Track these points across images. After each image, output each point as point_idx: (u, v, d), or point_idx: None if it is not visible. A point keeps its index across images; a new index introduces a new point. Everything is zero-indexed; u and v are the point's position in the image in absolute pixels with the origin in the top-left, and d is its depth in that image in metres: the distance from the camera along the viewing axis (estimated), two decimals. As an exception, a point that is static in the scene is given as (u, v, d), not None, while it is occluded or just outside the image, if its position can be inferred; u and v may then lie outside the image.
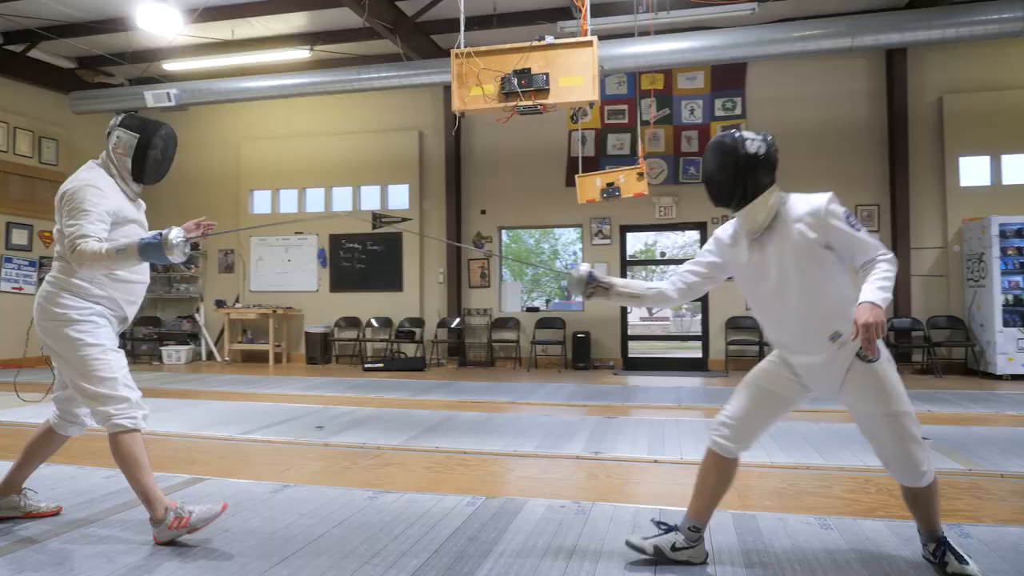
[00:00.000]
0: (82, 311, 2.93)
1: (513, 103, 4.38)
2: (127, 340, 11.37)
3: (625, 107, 10.26)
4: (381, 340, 10.87)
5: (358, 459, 4.62)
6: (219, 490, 3.79)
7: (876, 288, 2.29)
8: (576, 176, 8.72)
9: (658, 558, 2.68)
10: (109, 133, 3.06)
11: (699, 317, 10.87)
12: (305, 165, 11.30)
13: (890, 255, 2.40)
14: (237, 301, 11.30)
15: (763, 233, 2.52)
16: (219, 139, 11.71)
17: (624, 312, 10.53)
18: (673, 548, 2.68)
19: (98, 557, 2.82)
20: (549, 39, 4.39)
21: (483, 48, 4.52)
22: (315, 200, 11.41)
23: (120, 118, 3.09)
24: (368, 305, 11.01)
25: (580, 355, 10.22)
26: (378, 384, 8.38)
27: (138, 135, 3.01)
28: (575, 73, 4.36)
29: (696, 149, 10.05)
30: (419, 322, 10.80)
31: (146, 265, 3.07)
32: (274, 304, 11.05)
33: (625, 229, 10.62)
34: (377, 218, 3.50)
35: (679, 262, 17.14)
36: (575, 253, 15.46)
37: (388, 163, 10.99)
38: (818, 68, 9.66)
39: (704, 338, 10.31)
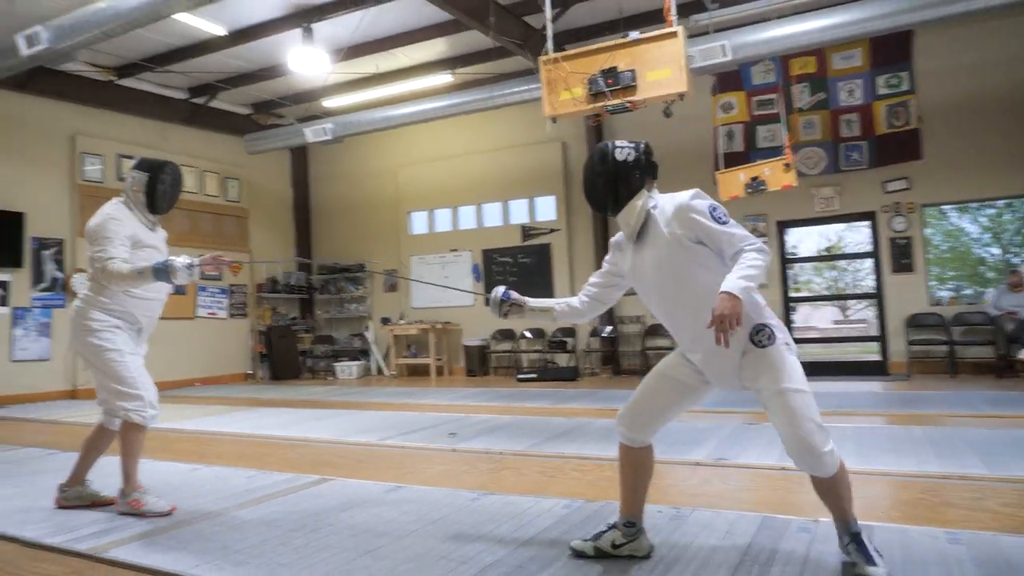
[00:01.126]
0: (103, 323, 3.55)
1: (602, 103, 4.31)
2: (307, 357, 12.42)
3: (774, 96, 9.71)
4: (535, 351, 11.02)
5: (478, 463, 4.73)
6: (340, 489, 4.04)
7: (737, 278, 2.28)
8: (718, 173, 8.40)
9: (602, 556, 2.74)
10: (126, 178, 3.70)
11: (874, 314, 9.98)
12: (457, 184, 11.79)
13: (757, 244, 2.39)
14: (401, 318, 11.98)
15: (640, 236, 2.59)
16: (377, 167, 12.53)
17: (788, 313, 9.92)
18: (613, 545, 2.74)
19: (208, 539, 3.13)
20: (633, 35, 4.30)
21: (570, 52, 4.50)
22: (467, 217, 11.85)
23: (134, 162, 3.71)
24: (522, 317, 11.20)
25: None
26: (527, 394, 8.51)
27: (148, 174, 3.60)
28: (662, 66, 4.23)
29: (858, 133, 9.28)
30: (571, 332, 10.83)
31: (161, 285, 3.55)
32: (434, 319, 11.58)
33: (783, 225, 10.02)
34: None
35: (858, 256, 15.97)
36: None
37: (534, 176, 11.18)
38: (1006, 27, 8.56)
39: (882, 339, 9.45)
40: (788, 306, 9.99)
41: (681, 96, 4.56)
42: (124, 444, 3.58)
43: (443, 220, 12.05)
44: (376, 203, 12.52)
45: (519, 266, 11.31)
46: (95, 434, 3.76)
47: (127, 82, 10.07)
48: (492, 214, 11.64)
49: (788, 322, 9.89)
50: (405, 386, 10.12)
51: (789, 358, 2.44)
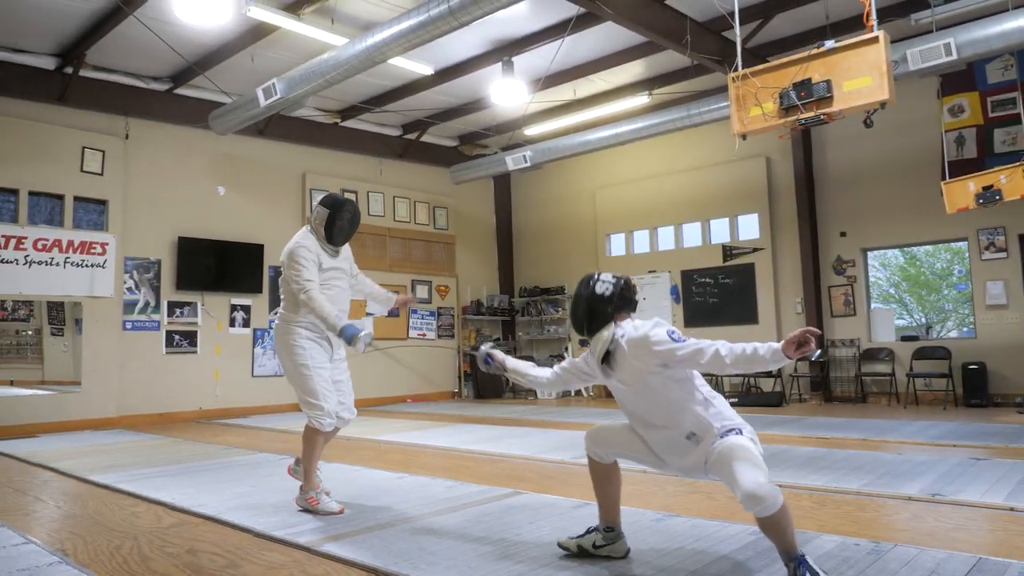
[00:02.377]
0: (299, 339, 4.06)
1: (794, 117, 4.08)
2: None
3: (1016, 95, 8.61)
4: (738, 375, 10.56)
5: (667, 485, 4.63)
6: (530, 502, 4.15)
7: (754, 346, 2.64)
8: (943, 183, 7.63)
9: (583, 554, 3.06)
10: (313, 214, 4.17)
11: None
12: (655, 205, 11.68)
13: (719, 344, 2.62)
14: (599, 339, 12.03)
15: (606, 360, 2.83)
16: (575, 191, 12.76)
17: (1036, 339, 8.69)
18: (594, 546, 3.05)
19: (407, 540, 3.34)
20: (829, 44, 4.02)
21: (759, 67, 4.32)
22: (666, 238, 11.69)
23: (321, 198, 4.21)
24: (723, 339, 10.77)
25: (973, 390, 8.67)
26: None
27: (328, 210, 4.06)
28: (861, 74, 3.92)
29: (1126, 130, 7.97)
30: (776, 355, 10.25)
31: (346, 302, 4.26)
32: (631, 341, 11.50)
33: (1027, 239, 8.82)
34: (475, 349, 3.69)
35: None
36: (959, 272, 13.13)
37: (736, 194, 10.80)
38: None
39: None
40: (1037, 331, 8.74)
41: (883, 105, 4.20)
42: (306, 444, 4.08)
43: (641, 241, 11.98)
44: (575, 226, 12.75)
45: (720, 287, 10.94)
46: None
47: (349, 123, 11.17)
48: (691, 234, 11.39)
49: (1038, 348, 8.66)
50: (602, 407, 10.12)
51: (748, 445, 2.63)
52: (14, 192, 8.32)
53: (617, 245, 12.31)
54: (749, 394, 9.94)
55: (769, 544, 3.13)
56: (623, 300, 2.89)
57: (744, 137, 4.54)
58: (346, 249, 4.29)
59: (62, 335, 14.17)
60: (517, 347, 13.34)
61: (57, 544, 3.55)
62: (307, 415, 4.09)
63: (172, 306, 9.43)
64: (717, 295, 10.98)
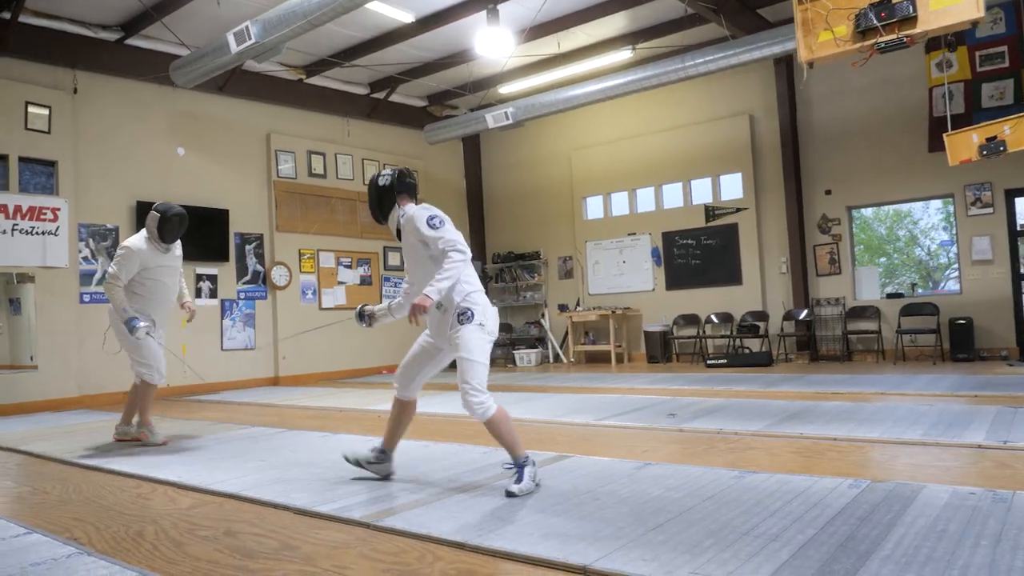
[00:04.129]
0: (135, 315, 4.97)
1: (871, 41, 3.81)
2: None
3: (1004, 48, 8.60)
4: (722, 336, 10.45)
5: (716, 443, 4.39)
6: (582, 466, 3.84)
7: (433, 283, 3.22)
8: (945, 135, 7.51)
9: (357, 465, 3.76)
10: (147, 217, 5.07)
11: None
12: (634, 166, 11.41)
13: (459, 250, 3.29)
14: (578, 305, 11.77)
15: (400, 235, 3.54)
16: (551, 152, 12.38)
17: (1018, 292, 8.78)
18: (368, 462, 3.74)
19: (476, 507, 2.99)
20: (914, -46, 3.74)
21: (832, -12, 4.01)
22: (646, 199, 11.44)
23: (154, 205, 5.11)
24: (706, 301, 10.69)
25: (960, 344, 8.73)
26: (723, 379, 8.01)
27: (159, 215, 4.97)
28: (951, -10, 3.65)
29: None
30: (762, 316, 10.17)
31: (172, 294, 5.23)
32: (612, 305, 11.28)
33: (1012, 194, 8.87)
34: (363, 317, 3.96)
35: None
36: (944, 231, 13.27)
37: (718, 153, 10.60)
38: None
39: None
40: (1018, 283, 8.83)
41: (974, 24, 3.96)
42: (142, 398, 5.14)
43: (620, 204, 11.70)
44: (550, 189, 12.38)
45: (703, 248, 10.77)
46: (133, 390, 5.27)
47: (315, 80, 10.51)
48: (673, 195, 11.16)
49: (1018, 305, 8.76)
50: (587, 372, 9.87)
51: (474, 335, 3.32)
52: (-50, 152, 7.49)
53: (595, 208, 12.01)
54: (738, 355, 9.84)
55: (884, 495, 2.92)
56: (402, 185, 3.54)
57: (811, 65, 4.23)
58: (177, 248, 5.20)
59: (-5, 316, 13.13)
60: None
61: (65, 532, 3.07)
62: (140, 374, 5.09)
63: (132, 276, 8.70)
64: (700, 256, 10.81)
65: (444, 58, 10.10)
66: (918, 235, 17.62)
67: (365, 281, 11.21)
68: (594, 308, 11.44)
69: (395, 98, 11.51)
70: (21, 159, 7.88)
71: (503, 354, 12.34)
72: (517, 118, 9.72)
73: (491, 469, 3.86)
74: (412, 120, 11.94)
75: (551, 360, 12.06)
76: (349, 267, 11.06)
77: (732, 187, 10.62)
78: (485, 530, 2.76)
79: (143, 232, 5.02)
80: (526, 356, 11.67)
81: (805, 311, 9.84)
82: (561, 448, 4.41)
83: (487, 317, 3.38)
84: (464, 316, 3.32)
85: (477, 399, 3.27)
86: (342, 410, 6.94)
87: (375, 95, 11.26)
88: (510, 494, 3.23)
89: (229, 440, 5.33)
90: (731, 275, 10.53)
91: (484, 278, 12.93)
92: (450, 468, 3.94)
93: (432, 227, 3.32)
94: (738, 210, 10.50)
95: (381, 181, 3.54)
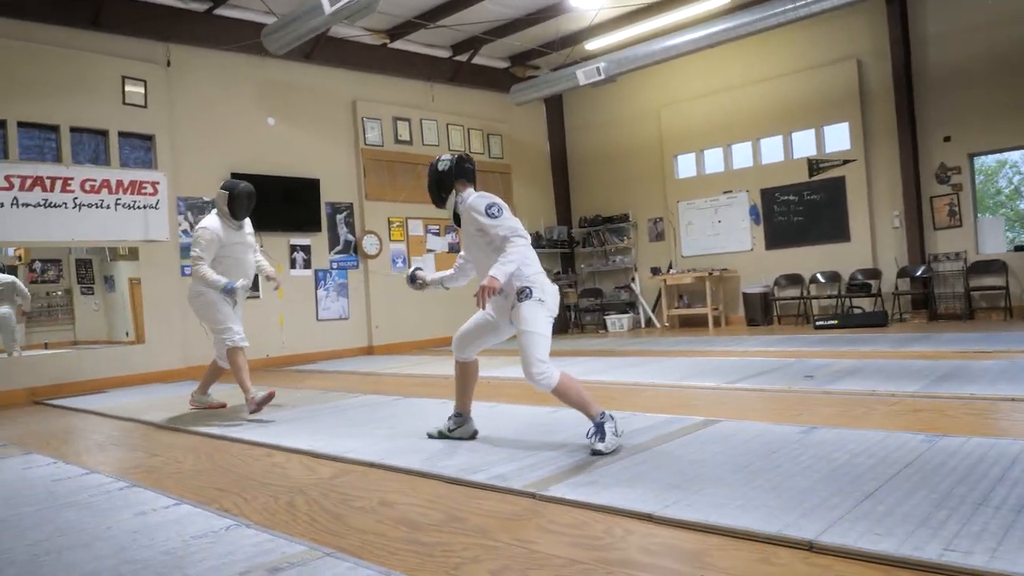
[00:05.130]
0: (208, 297, 5.14)
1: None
2: (573, 311, 12.22)
3: None
4: (829, 296, 9.89)
5: (874, 406, 4.01)
6: (739, 431, 3.53)
7: (498, 266, 3.25)
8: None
9: (442, 437, 3.79)
10: (216, 196, 5.18)
11: None
12: (729, 120, 10.83)
13: (520, 235, 3.32)
14: (671, 267, 11.35)
15: (457, 220, 3.58)
16: (638, 110, 11.88)
17: None
18: (449, 430, 3.78)
19: (642, 477, 2.73)
20: None
21: None
22: (742, 155, 10.87)
23: (221, 185, 5.20)
24: (811, 260, 10.12)
25: (1105, 299, 8.01)
26: (839, 340, 7.53)
27: (227, 192, 5.06)
28: None
29: None
30: (874, 273, 9.56)
31: (249, 268, 5.27)
32: (708, 267, 10.82)
33: None
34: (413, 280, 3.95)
35: None
36: None
37: (822, 102, 9.94)
38: None
39: None
40: None
41: None
42: (232, 364, 5.09)
43: (714, 161, 11.16)
44: (638, 148, 11.90)
45: (806, 204, 10.18)
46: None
47: (398, 44, 10.29)
48: (772, 149, 10.56)
49: None
50: (685, 336, 9.49)
51: (535, 310, 3.33)
52: (54, 129, 7.56)
53: (686, 166, 11.50)
54: (849, 315, 9.28)
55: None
56: (461, 170, 3.54)
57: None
58: (248, 224, 5.23)
59: (92, 294, 13.58)
60: (579, 280, 12.67)
61: (214, 503, 2.96)
62: (224, 342, 5.08)
63: (229, 248, 8.73)
64: (802, 213, 10.22)
65: (530, 14, 9.72)
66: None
67: (453, 248, 11.03)
68: (688, 270, 11.00)
69: (478, 60, 11.20)
70: (120, 134, 7.93)
71: (593, 320, 12.05)
72: (609, 73, 9.29)
73: (645, 432, 3.59)
74: (495, 83, 11.63)
75: (643, 325, 11.71)
76: (437, 234, 10.90)
77: (838, 138, 9.95)
78: (667, 500, 2.50)
79: (214, 212, 5.11)
80: (617, 321, 11.34)
81: (922, 267, 9.20)
82: (703, 412, 4.11)
83: (547, 294, 3.40)
84: (524, 293, 3.35)
85: (539, 369, 3.26)
86: (447, 377, 6.77)
87: (458, 58, 10.98)
88: (596, 452, 3.20)
89: (347, 408, 5.22)
90: (838, 232, 9.92)
91: (571, 242, 12.65)
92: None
93: (491, 216, 3.34)
94: (845, 162, 9.85)
95: (440, 166, 3.55)
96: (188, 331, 8.27)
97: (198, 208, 8.54)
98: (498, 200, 3.40)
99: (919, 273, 9.19)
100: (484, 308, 3.37)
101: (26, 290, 9.32)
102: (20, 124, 7.34)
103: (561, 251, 12.63)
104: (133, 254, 9.09)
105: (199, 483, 3.34)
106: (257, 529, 2.53)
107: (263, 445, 4.07)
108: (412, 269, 3.93)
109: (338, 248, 9.92)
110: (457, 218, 3.56)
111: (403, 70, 10.60)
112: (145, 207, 7.99)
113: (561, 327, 11.75)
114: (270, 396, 4.90)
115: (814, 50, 10.00)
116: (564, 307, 12.17)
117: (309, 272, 9.60)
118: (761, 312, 10.30)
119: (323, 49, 9.53)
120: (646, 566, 2.02)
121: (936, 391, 4.25)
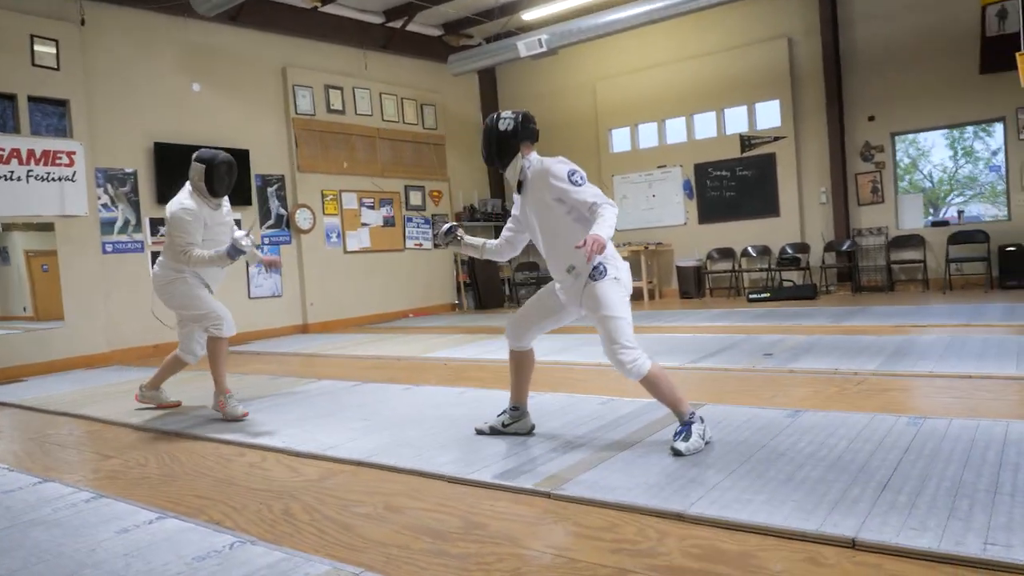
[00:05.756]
0: (185, 284, 4.43)
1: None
2: (508, 285, 12.18)
3: (1064, -41, 8.16)
4: (759, 270, 10.21)
5: (845, 385, 4.15)
6: (726, 416, 3.55)
7: (599, 227, 2.89)
8: (1018, 54, 7.16)
9: (495, 433, 3.51)
10: (190, 169, 4.34)
11: None
12: (663, 95, 10.92)
13: (609, 203, 3.00)
14: (606, 241, 11.43)
15: (520, 188, 3.23)
16: (573, 84, 11.83)
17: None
18: (503, 425, 3.51)
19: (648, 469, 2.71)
20: None
21: None
22: (676, 130, 11.00)
23: (194, 154, 4.35)
24: (742, 234, 10.40)
25: (1012, 272, 8.57)
26: (774, 313, 7.78)
27: (204, 165, 4.27)
28: None
29: None
30: (803, 247, 9.92)
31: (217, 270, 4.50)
32: (643, 241, 10.96)
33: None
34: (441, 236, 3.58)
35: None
36: (994, 158, 12.80)
37: (754, 80, 10.14)
38: None
39: None
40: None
41: None
42: (211, 356, 4.45)
43: (648, 135, 11.25)
44: (573, 122, 11.85)
45: (738, 180, 10.42)
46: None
47: (329, 8, 9.81)
48: (705, 125, 10.73)
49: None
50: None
51: (612, 291, 3.08)
52: (-48, 93, 6.86)
53: (621, 140, 11.56)
54: (781, 288, 9.62)
55: None
56: (526, 131, 3.20)
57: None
58: (226, 202, 4.50)
59: (-15, 268, 12.55)
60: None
61: (201, 515, 2.76)
62: (209, 330, 4.40)
63: (155, 224, 8.18)
64: (735, 188, 10.47)
65: (469, -21, 9.45)
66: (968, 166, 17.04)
67: (388, 222, 10.75)
68: (624, 244, 11.09)
69: (411, 27, 10.84)
70: (31, 99, 7.25)
71: (529, 293, 12.04)
72: (551, 45, 9.16)
73: (630, 420, 3.59)
74: (429, 52, 11.30)
75: (579, 299, 11.77)
76: (372, 208, 10.57)
77: (769, 115, 10.21)
78: (689, 495, 2.49)
79: (186, 189, 4.34)
80: (554, 295, 11.35)
81: (848, 242, 9.60)
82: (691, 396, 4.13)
83: (621, 271, 3.15)
84: (597, 271, 3.08)
85: (629, 356, 3.03)
86: (399, 359, 6.62)
87: (391, 24, 10.59)
88: (677, 452, 2.96)
89: (306, 396, 5.00)
90: (768, 207, 10.22)
91: (506, 215, 12.54)
92: (589, 423, 3.65)
93: (576, 184, 3.05)
94: (776, 139, 10.12)
95: (502, 125, 3.19)
96: (112, 313, 7.76)
97: (119, 180, 7.96)
98: (577, 167, 3.12)
99: (845, 247, 9.60)
100: (590, 261, 2.98)
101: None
102: (-88, 87, 6.60)
103: (495, 224, 12.50)
104: (34, 227, 8.37)
105: (175, 490, 3.11)
106: (264, 546, 2.37)
107: (231, 443, 3.84)
108: (450, 224, 3.54)
109: (270, 223, 9.48)
110: (519, 185, 3.22)
111: (335, 36, 10.14)
112: (61, 179, 7.36)
113: (496, 302, 11.70)
114: (241, 418, 4.32)
115: (747, 28, 10.16)
116: (500, 281, 12.14)
117: (239, 248, 9.12)
118: (695, 285, 10.55)
119: (251, 11, 8.98)
120: (698, 572, 1.99)
121: (895, 369, 4.43)
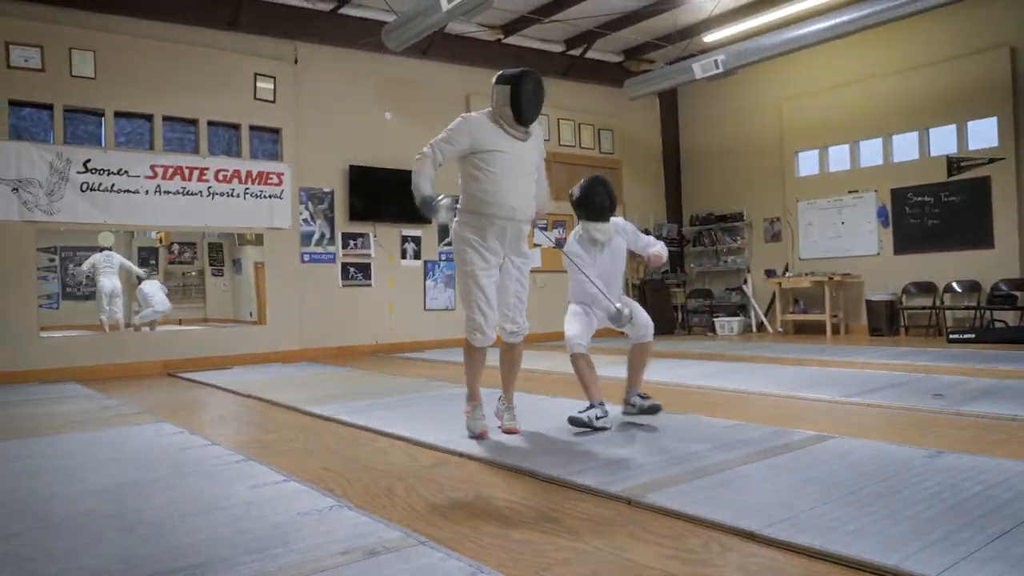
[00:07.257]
0: (461, 239, 3.95)
1: None
2: (684, 312, 11.94)
3: None
4: (966, 308, 9.17)
5: (1016, 432, 3.67)
6: (854, 450, 3.30)
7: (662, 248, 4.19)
8: None
9: (582, 425, 3.87)
10: (492, 96, 3.72)
11: None
12: (856, 115, 10.23)
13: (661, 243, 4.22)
14: (787, 270, 10.87)
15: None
16: (755, 105, 11.43)
17: None
18: (597, 418, 3.88)
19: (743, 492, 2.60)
20: None
21: None
22: (870, 152, 10.24)
23: (495, 78, 3.71)
24: (946, 267, 9.42)
25: None
26: (976, 356, 6.96)
27: (508, 85, 3.61)
28: None
29: None
30: (1021, 284, 8.79)
31: (518, 197, 3.77)
32: (828, 271, 10.29)
33: None
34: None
35: None
36: None
37: (966, 95, 9.21)
38: None
39: None
40: None
41: None
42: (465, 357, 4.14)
43: (839, 158, 10.59)
44: (755, 144, 11.46)
45: (942, 206, 9.47)
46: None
47: (512, 40, 10.35)
48: (905, 146, 9.89)
49: None
50: (799, 343, 9.07)
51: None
52: (193, 122, 8.12)
53: (808, 163, 10.97)
54: (990, 329, 8.57)
55: None
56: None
57: None
58: (537, 132, 3.84)
59: (222, 275, 14.46)
60: (687, 280, 12.36)
61: (320, 482, 3.07)
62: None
63: (346, 238, 9.10)
64: (938, 216, 9.52)
65: (646, 6, 9.53)
66: None
67: (559, 244, 10.97)
68: (806, 274, 10.50)
69: (591, 54, 11.11)
70: (251, 128, 8.41)
71: (701, 321, 11.73)
72: (728, 65, 8.97)
73: (745, 445, 3.45)
74: (608, 77, 11.50)
75: (754, 329, 11.28)
76: (544, 229, 10.84)
77: (983, 134, 9.20)
78: (771, 518, 2.38)
79: (484, 112, 3.75)
80: (727, 324, 10.99)
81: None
82: (812, 427, 3.89)
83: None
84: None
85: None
86: (548, 372, 6.78)
87: (571, 52, 10.93)
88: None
89: (449, 399, 5.30)
90: (979, 237, 9.18)
91: (681, 241, 12.36)
92: (700, 441, 3.57)
93: (637, 230, 4.39)
94: (991, 160, 9.09)
95: (609, 187, 4.20)
96: (305, 314, 8.68)
97: (317, 198, 8.92)
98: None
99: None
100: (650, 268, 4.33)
101: (130, 264, 10.50)
102: (165, 118, 7.92)
103: (671, 250, 12.34)
104: (258, 239, 9.61)
105: (308, 462, 3.49)
106: (357, 512, 2.61)
107: (370, 430, 4.21)
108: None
109: (447, 240, 10.09)
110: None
111: (516, 65, 10.61)
112: (270, 196, 8.43)
113: (667, 328, 11.51)
114: (479, 435, 3.79)
115: (958, 38, 9.27)
116: (671, 307, 11.94)
117: (419, 263, 9.84)
118: (886, 322, 9.70)
119: (439, 46, 9.72)
120: (744, 586, 1.92)
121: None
